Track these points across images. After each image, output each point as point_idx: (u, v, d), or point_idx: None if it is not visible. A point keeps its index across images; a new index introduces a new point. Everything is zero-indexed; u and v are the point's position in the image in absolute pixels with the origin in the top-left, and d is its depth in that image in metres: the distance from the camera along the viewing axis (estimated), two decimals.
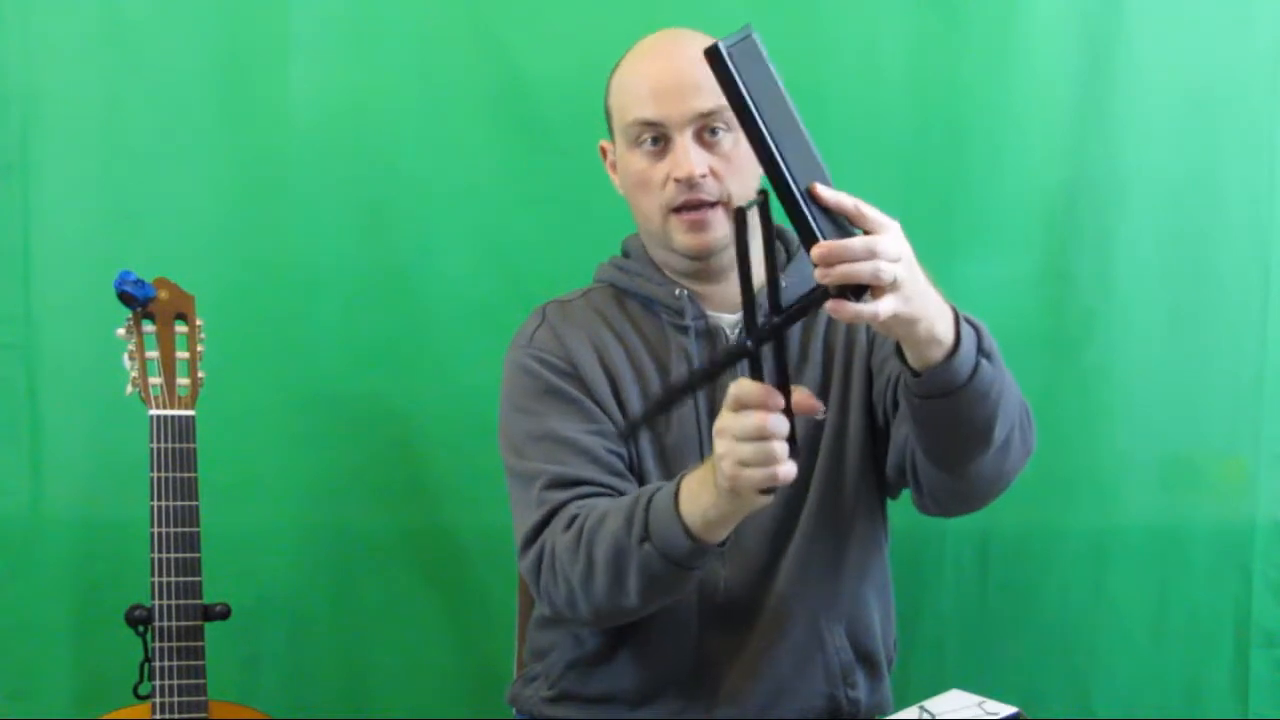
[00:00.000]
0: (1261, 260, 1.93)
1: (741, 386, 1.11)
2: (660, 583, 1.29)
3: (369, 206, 1.91)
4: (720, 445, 1.13)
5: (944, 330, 1.16)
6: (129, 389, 1.65)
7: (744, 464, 1.11)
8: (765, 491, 1.15)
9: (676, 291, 1.47)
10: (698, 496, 1.23)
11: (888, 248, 1.05)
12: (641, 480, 1.44)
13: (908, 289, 1.07)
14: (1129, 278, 1.93)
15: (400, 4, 1.89)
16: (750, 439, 1.10)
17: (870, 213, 1.07)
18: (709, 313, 1.48)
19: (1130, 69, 1.91)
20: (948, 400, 1.20)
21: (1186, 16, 1.91)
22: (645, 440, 1.44)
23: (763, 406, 1.10)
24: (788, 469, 1.12)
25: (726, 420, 1.12)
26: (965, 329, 1.19)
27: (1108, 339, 1.94)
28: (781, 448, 1.11)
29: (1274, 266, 1.93)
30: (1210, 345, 1.94)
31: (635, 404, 1.45)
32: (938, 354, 1.17)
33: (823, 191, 1.05)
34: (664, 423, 1.45)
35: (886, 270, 1.04)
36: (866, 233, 1.07)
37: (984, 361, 1.20)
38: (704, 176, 1.40)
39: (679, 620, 1.44)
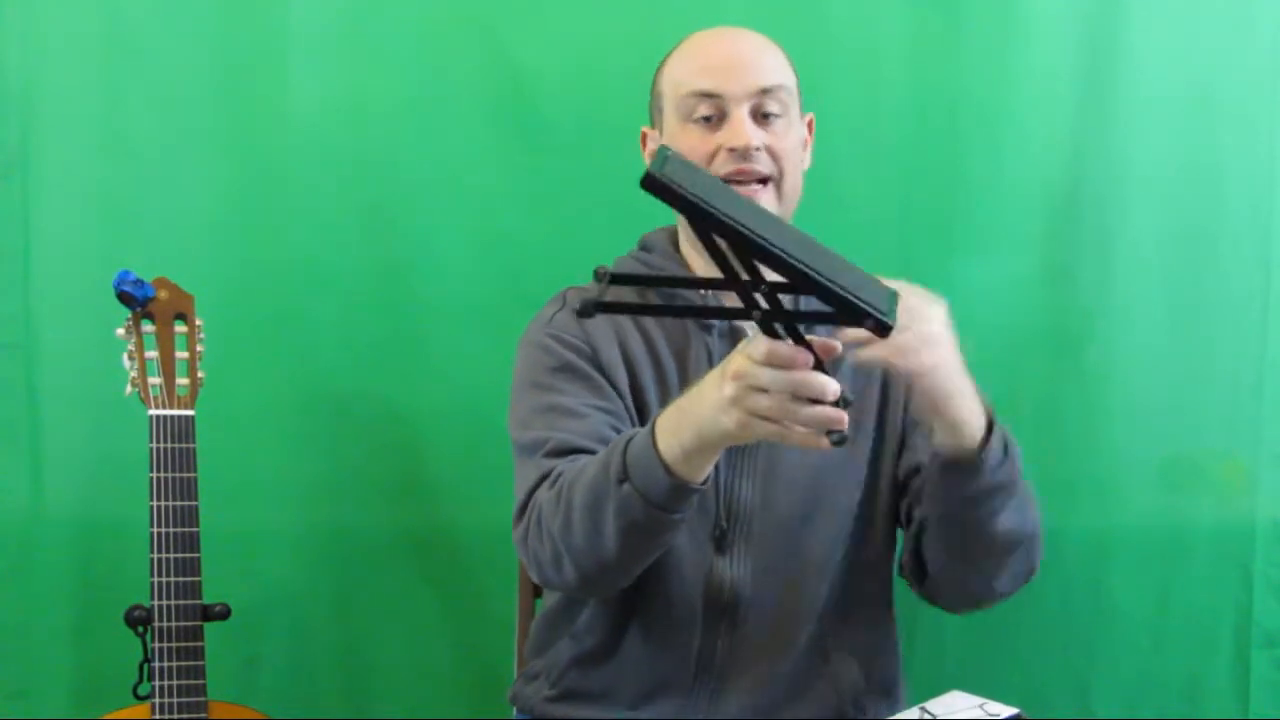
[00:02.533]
0: (1262, 260, 1.93)
1: (773, 347, 1.07)
2: (639, 528, 1.25)
3: (369, 206, 1.91)
4: (732, 389, 1.10)
5: (975, 416, 1.24)
6: (129, 389, 1.65)
7: (757, 413, 1.09)
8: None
9: (702, 290, 1.46)
10: (677, 433, 1.20)
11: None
12: None
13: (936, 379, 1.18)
14: (1129, 277, 1.93)
15: (400, 4, 1.89)
16: (776, 391, 1.08)
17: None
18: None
19: (1130, 68, 1.91)
20: (968, 486, 1.26)
21: (1186, 15, 1.91)
22: (653, 413, 1.43)
23: (791, 366, 1.08)
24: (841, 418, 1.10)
25: (746, 369, 1.09)
26: (997, 425, 1.26)
27: (1108, 339, 1.94)
28: (807, 411, 1.08)
29: (1275, 266, 1.93)
30: (1211, 345, 1.94)
31: (652, 395, 1.44)
32: (966, 441, 1.24)
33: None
34: (674, 396, 1.44)
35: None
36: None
37: (1005, 460, 1.27)
38: (758, 149, 1.40)
39: (682, 617, 1.44)
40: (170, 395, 1.64)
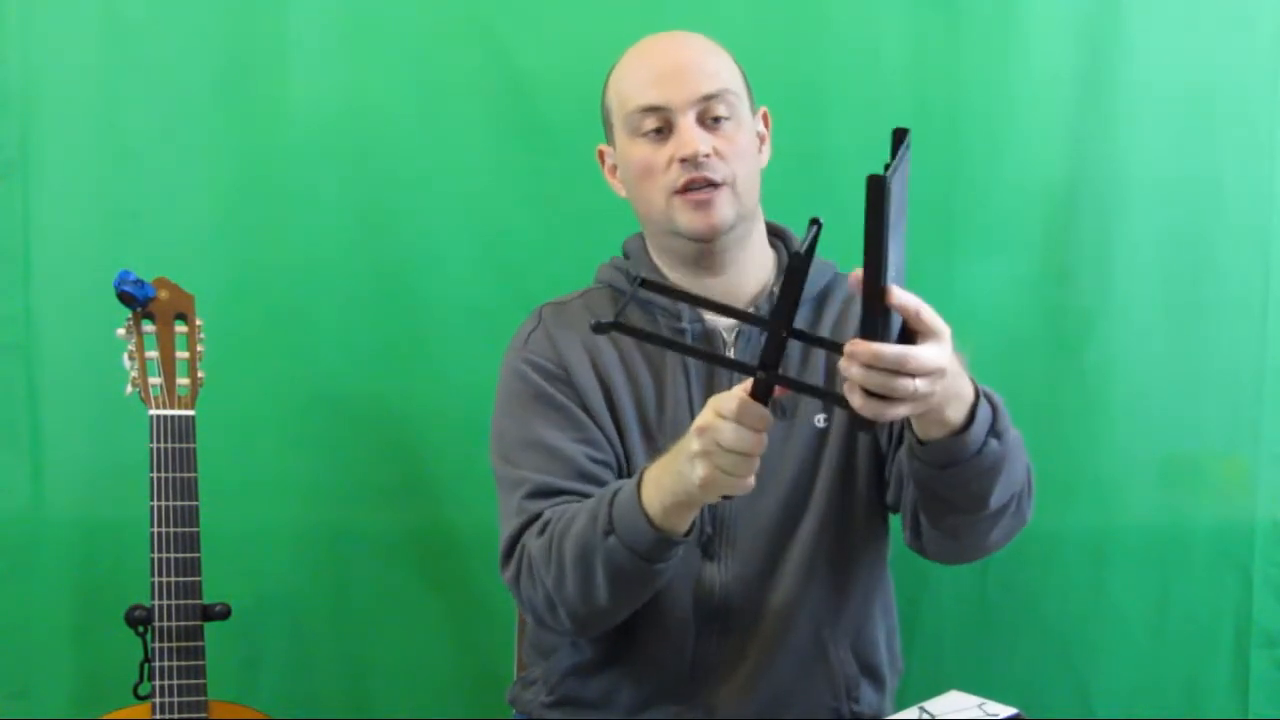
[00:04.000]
0: (1262, 259, 1.93)
1: (747, 406, 1.12)
2: (626, 577, 1.29)
3: (369, 207, 1.91)
4: (699, 443, 1.15)
5: (955, 414, 1.17)
6: (129, 389, 1.65)
7: (723, 470, 1.14)
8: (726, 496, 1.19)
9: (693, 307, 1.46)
10: (659, 483, 1.24)
11: (922, 362, 1.04)
12: None
13: (931, 399, 1.08)
14: (1129, 278, 1.93)
15: (400, 4, 1.89)
16: (737, 452, 1.13)
17: (926, 319, 1.06)
18: (706, 315, 1.47)
19: (1130, 68, 1.91)
20: (946, 471, 1.22)
21: (1186, 16, 1.91)
22: (639, 448, 1.44)
23: (759, 430, 1.13)
24: (751, 483, 1.17)
25: (716, 424, 1.14)
26: (982, 410, 1.19)
27: (1108, 339, 1.94)
28: (755, 464, 1.15)
29: (1274, 266, 1.93)
30: (1210, 345, 1.94)
31: (628, 410, 1.44)
32: (941, 432, 1.18)
33: (895, 293, 1.03)
34: (659, 430, 1.44)
35: (904, 386, 1.04)
36: (910, 335, 1.06)
37: (993, 441, 1.21)
38: (708, 156, 1.40)
39: (674, 624, 1.44)
40: (170, 395, 1.64)
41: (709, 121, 1.42)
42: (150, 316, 1.66)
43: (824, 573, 1.44)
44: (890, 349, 1.03)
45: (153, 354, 1.65)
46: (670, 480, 1.22)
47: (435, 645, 1.96)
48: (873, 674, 1.50)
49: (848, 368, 1.04)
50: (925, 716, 1.30)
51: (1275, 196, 1.92)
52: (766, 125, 1.52)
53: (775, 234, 1.54)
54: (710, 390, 1.43)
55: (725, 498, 1.20)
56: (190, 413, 1.65)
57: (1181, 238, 1.93)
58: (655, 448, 1.43)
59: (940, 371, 1.06)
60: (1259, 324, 1.93)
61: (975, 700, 1.32)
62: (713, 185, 1.40)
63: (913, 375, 1.04)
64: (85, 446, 1.90)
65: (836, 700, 1.47)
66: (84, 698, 1.90)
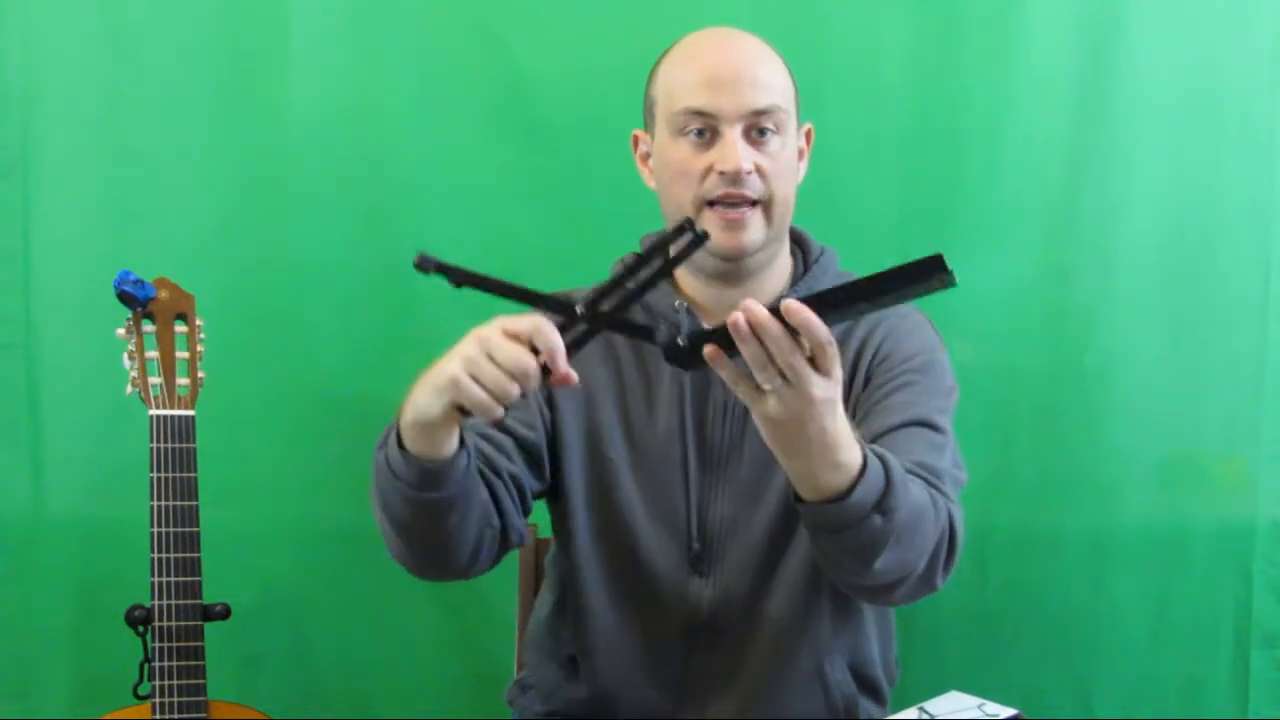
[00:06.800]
0: (1262, 260, 1.93)
1: (541, 328, 1.11)
2: (388, 500, 1.24)
3: (369, 206, 1.91)
4: (468, 345, 1.14)
5: (834, 480, 1.15)
6: (129, 389, 1.65)
7: (480, 381, 1.12)
8: (464, 412, 1.14)
9: (675, 303, 1.43)
10: (414, 400, 1.20)
11: (826, 355, 1.06)
12: (614, 495, 1.40)
13: (781, 427, 1.09)
14: (1129, 278, 1.93)
15: (400, 4, 1.89)
16: (504, 371, 1.11)
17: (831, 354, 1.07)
18: (709, 327, 1.44)
19: (1130, 69, 1.91)
20: (825, 535, 1.21)
21: (1186, 16, 1.91)
22: (622, 451, 1.41)
23: (536, 356, 1.10)
24: (499, 414, 1.12)
25: (496, 340, 1.12)
26: (866, 483, 1.16)
27: (1108, 339, 1.94)
28: (513, 395, 1.11)
29: (1274, 266, 1.93)
30: (1210, 345, 1.94)
31: (609, 410, 1.42)
32: (817, 496, 1.17)
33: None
34: (648, 435, 1.41)
35: (764, 374, 1.06)
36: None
37: (876, 518, 1.17)
38: (749, 173, 1.36)
39: (662, 639, 1.42)
40: (170, 395, 1.64)
41: (754, 135, 1.37)
42: (150, 316, 1.66)
43: (819, 591, 1.42)
44: (807, 312, 1.04)
45: (153, 354, 1.65)
46: (422, 394, 1.18)
47: (435, 645, 1.96)
48: (871, 689, 1.49)
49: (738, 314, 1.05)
50: (925, 717, 1.30)
51: (1275, 197, 1.92)
52: (808, 141, 1.47)
53: (793, 239, 1.49)
54: (704, 397, 1.41)
55: (464, 412, 1.15)
56: (190, 413, 1.65)
57: (1182, 238, 1.93)
58: (639, 453, 1.41)
59: (828, 401, 1.08)
60: (1259, 324, 1.93)
61: (975, 701, 1.32)
62: (749, 204, 1.37)
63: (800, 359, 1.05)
64: (85, 446, 1.90)
65: (834, 715, 1.45)
66: (84, 698, 1.90)
